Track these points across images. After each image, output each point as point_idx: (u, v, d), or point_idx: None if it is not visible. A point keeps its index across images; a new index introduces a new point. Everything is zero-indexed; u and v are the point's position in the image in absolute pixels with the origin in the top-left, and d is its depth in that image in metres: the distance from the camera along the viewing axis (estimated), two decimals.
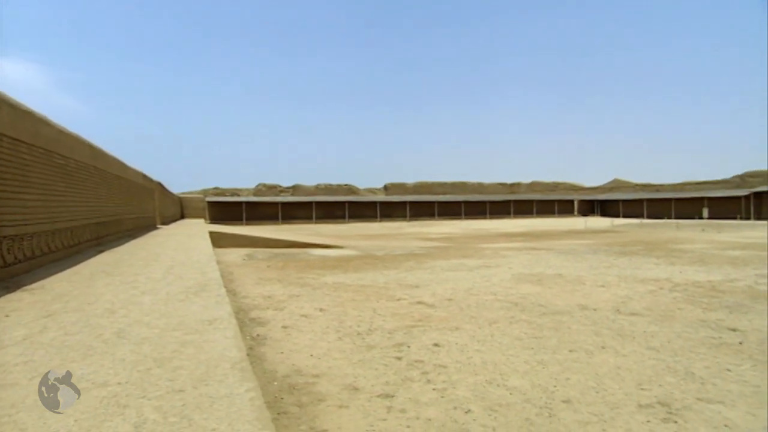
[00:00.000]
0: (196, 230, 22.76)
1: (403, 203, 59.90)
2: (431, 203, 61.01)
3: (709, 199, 51.56)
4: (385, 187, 68.26)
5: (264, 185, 63.55)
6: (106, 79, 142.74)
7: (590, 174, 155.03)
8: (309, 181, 65.13)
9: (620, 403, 4.10)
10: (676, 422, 3.75)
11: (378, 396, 4.28)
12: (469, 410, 3.96)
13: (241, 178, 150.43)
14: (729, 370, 4.94)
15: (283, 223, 53.09)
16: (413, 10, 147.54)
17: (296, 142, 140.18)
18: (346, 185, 65.67)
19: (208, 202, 52.15)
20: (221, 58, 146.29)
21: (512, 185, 72.39)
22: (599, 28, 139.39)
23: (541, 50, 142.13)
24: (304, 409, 3.99)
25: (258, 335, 6.39)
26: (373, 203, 59.08)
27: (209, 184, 61.26)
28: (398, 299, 8.91)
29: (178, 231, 22.30)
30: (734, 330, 6.53)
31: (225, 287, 7.10)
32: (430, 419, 3.79)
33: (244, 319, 7.26)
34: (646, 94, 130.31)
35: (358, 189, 66.46)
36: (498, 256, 16.32)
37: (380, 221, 56.22)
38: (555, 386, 4.50)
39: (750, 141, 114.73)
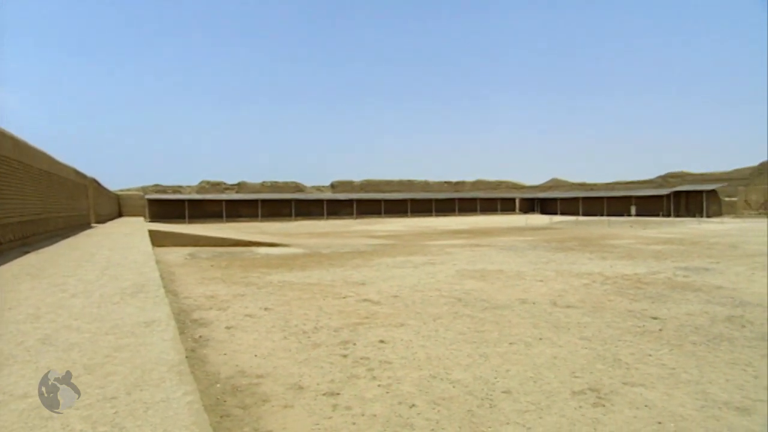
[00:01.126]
0: (135, 229, 21.69)
1: (350, 201, 59.80)
2: (378, 201, 61.28)
3: (637, 197, 55.07)
4: (332, 185, 67.79)
5: (208, 182, 61.39)
6: (37, 70, 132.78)
7: (531, 173, 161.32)
8: (255, 179, 63.55)
9: (555, 391, 4.32)
10: (604, 406, 4.00)
11: (323, 394, 4.27)
12: (414, 405, 4.04)
13: (184, 175, 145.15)
14: (650, 355, 5.33)
15: (227, 221, 51.55)
16: (359, 5, 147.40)
17: (242, 138, 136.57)
18: (292, 183, 64.63)
19: (148, 200, 49.76)
20: (163, 52, 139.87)
21: (457, 184, 73.95)
22: (537, 30, 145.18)
23: (483, 51, 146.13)
24: (247, 411, 3.92)
25: (200, 337, 6.19)
26: (320, 201, 58.56)
27: (149, 181, 58.35)
28: (344, 297, 8.92)
29: (114, 230, 21.16)
30: (655, 318, 7.04)
31: (165, 288, 6.83)
32: (375, 415, 3.84)
33: (186, 321, 7.02)
34: (581, 97, 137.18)
35: (304, 186, 65.61)
36: (443, 253, 16.68)
37: (327, 219, 55.83)
38: (496, 378, 4.67)
39: (670, 144, 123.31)
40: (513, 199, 69.28)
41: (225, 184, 62.25)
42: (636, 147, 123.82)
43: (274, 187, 63.05)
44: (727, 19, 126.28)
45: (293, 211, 56.36)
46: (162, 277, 8.29)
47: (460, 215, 62.92)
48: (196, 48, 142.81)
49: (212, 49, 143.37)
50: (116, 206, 44.05)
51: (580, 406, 3.99)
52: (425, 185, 71.54)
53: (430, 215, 62.08)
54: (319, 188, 67.22)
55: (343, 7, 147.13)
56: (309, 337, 6.17)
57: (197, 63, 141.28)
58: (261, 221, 52.11)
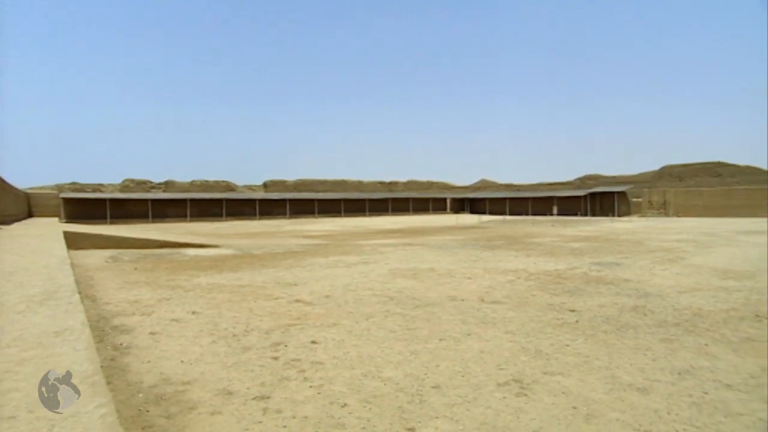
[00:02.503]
0: (47, 230, 19.98)
1: (283, 201, 58.73)
2: (311, 201, 60.65)
3: (558, 198, 58.55)
4: (265, 185, 66.23)
5: (132, 181, 57.69)
6: None
7: (461, 174, 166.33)
8: (183, 177, 60.68)
9: (482, 384, 4.52)
10: (526, 395, 4.24)
11: (253, 398, 4.19)
12: (345, 404, 4.06)
13: (105, 172, 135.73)
14: (568, 345, 5.71)
15: (154, 221, 48.75)
16: (293, 4, 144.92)
17: (169, 136, 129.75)
18: (223, 182, 62.38)
19: (64, 199, 45.90)
20: (83, 45, 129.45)
21: (390, 184, 74.85)
22: (467, 33, 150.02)
23: (416, 52, 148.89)
24: (172, 420, 3.76)
25: (121, 344, 5.85)
26: (252, 201, 56.97)
27: (65, 179, 53.80)
28: (276, 298, 8.77)
29: (22, 232, 19.36)
30: (573, 311, 7.54)
31: (81, 293, 6.39)
32: (306, 417, 3.82)
33: (105, 328, 6.59)
34: (508, 101, 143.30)
35: (236, 186, 63.54)
36: (376, 253, 16.83)
37: (260, 219, 54.44)
38: (426, 374, 4.80)
39: (587, 149, 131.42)
40: (444, 199, 71.15)
41: (151, 182, 58.89)
42: (558, 150, 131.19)
43: (204, 186, 60.57)
44: (635, 37, 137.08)
45: (224, 211, 54.43)
46: (78, 282, 7.73)
47: (393, 215, 63.69)
48: (118, 42, 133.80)
49: (136, 44, 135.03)
50: (25, 206, 40.39)
51: (505, 397, 4.21)
52: (359, 185, 71.75)
53: (364, 215, 62.34)
54: (251, 188, 65.41)
55: (273, 5, 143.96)
56: (239, 341, 6.01)
57: (121, 57, 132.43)
58: (190, 221, 49.86)
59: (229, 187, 62.63)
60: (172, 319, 7.17)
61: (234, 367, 5.01)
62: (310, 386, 4.47)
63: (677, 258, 14.19)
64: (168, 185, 59.33)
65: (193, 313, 7.62)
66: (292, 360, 5.24)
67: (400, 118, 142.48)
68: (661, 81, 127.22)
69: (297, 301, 8.53)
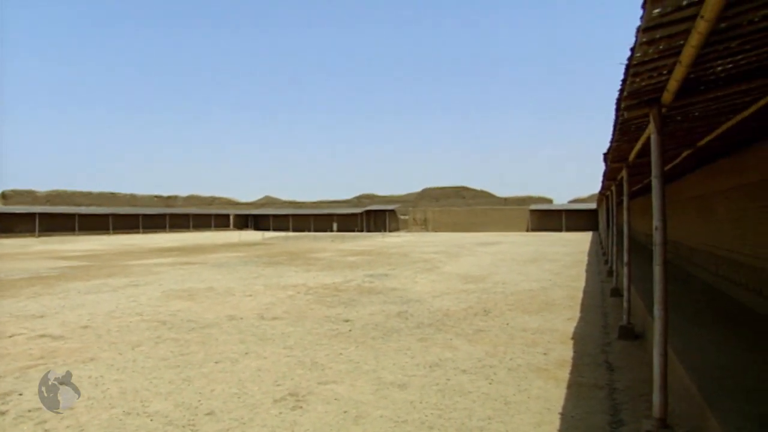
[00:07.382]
0: None
1: (31, 215, 48.13)
2: (71, 216, 51.25)
3: (338, 215, 62.36)
4: (4, 195, 53.32)
5: None
6: None
7: (245, 190, 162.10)
8: None
9: (258, 403, 4.52)
10: (301, 407, 4.41)
11: None
12: None
13: None
14: (341, 354, 6.15)
15: None
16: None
17: None
18: None
19: None
20: None
21: (168, 198, 68.68)
22: (250, 47, 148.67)
23: (206, 62, 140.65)
24: None
25: None
26: None
27: None
28: (11, 336, 7.17)
29: None
30: (347, 321, 8.14)
31: None
32: None
33: None
34: (293, 119, 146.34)
35: None
36: (149, 273, 15.19)
37: None
38: (199, 401, 4.57)
39: (363, 169, 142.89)
40: (228, 216, 68.46)
41: None
42: (337, 169, 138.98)
43: None
44: (400, 65, 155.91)
45: None
46: None
47: (171, 232, 58.35)
48: None
49: None
50: None
51: (281, 413, 4.30)
52: (131, 199, 63.96)
53: (137, 232, 55.60)
54: None
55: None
56: None
57: None
58: None
59: None
60: None
61: None
62: None
63: (433, 267, 16.59)
64: None
65: None
66: (29, 411, 4.36)
67: (181, 129, 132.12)
68: (423, 108, 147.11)
69: (42, 336, 7.12)
